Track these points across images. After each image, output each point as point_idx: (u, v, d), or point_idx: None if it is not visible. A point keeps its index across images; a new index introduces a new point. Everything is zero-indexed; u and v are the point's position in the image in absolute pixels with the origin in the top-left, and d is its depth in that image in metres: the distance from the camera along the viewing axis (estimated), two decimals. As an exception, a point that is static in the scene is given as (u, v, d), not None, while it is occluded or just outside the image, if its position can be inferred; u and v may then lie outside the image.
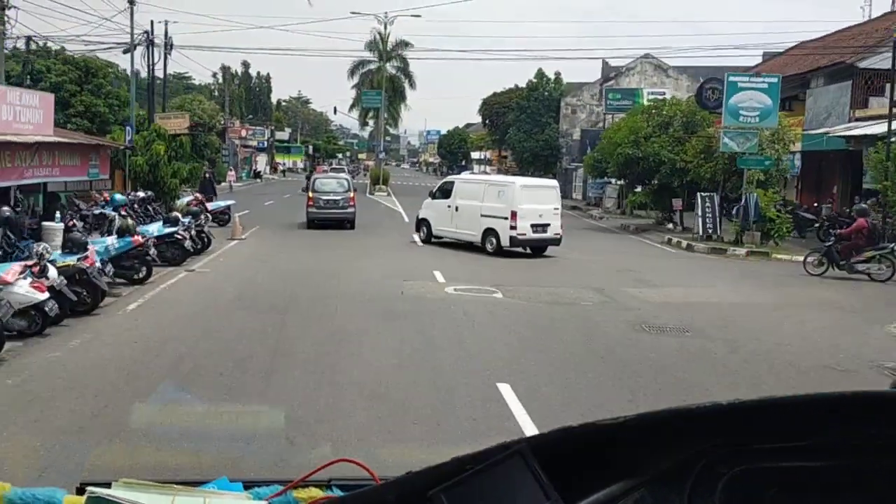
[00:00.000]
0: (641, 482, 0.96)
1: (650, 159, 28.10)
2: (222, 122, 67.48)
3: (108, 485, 1.20)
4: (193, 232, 16.69)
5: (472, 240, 20.12)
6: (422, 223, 22.14)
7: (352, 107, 67.84)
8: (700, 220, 24.20)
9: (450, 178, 23.32)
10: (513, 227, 18.83)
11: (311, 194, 25.47)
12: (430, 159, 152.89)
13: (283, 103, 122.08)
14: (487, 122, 68.33)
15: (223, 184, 44.62)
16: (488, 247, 19.53)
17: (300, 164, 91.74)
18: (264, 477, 1.38)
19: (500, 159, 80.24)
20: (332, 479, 1.34)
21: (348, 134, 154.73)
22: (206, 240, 17.82)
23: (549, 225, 19.32)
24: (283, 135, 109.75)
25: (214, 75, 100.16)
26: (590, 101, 58.43)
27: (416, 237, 22.52)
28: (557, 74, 59.10)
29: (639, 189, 32.70)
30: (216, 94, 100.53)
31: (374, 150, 67.52)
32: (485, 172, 75.17)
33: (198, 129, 47.33)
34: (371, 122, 76.51)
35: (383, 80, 55.49)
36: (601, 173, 38.88)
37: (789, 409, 0.92)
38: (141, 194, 19.39)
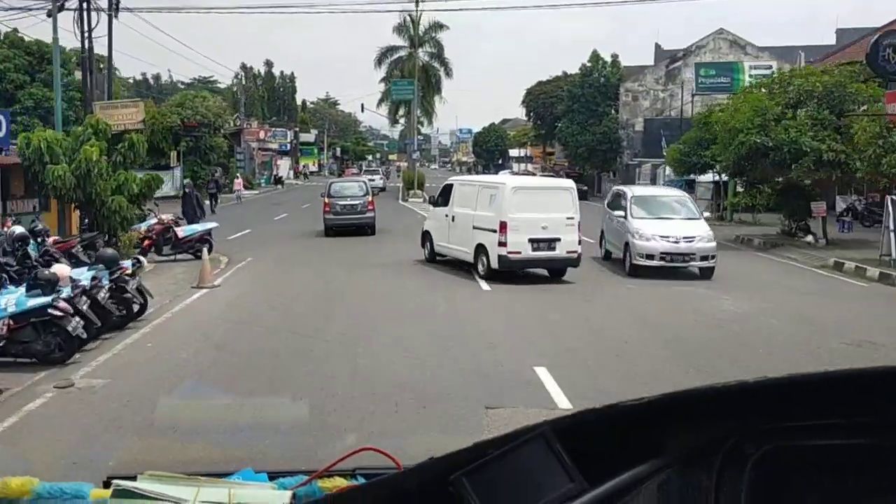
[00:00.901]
0: (668, 463, 0.95)
1: (784, 149, 20.41)
2: (236, 122, 60.92)
3: (133, 478, 1.23)
4: (105, 295, 9.37)
5: (467, 258, 15.70)
6: (425, 237, 17.80)
7: (380, 101, 60.47)
8: (892, 234, 16.46)
9: (451, 179, 18.51)
10: (501, 244, 14.34)
11: (326, 200, 23.64)
12: (464, 158, 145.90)
13: (311, 105, 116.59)
14: (532, 114, 60.69)
15: (232, 194, 37.60)
16: (480, 268, 15.12)
17: (312, 167, 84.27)
18: (289, 468, 1.38)
19: (546, 156, 72.57)
20: (356, 469, 1.35)
21: (377, 135, 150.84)
22: (138, 301, 10.52)
23: (557, 240, 14.55)
24: (309, 137, 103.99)
25: (236, 76, 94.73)
26: (654, 86, 50.63)
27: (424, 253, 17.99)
28: (614, 57, 51.40)
29: (755, 189, 24.82)
30: (237, 95, 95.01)
31: (407, 149, 60.45)
32: (526, 172, 68.18)
33: (200, 130, 40.57)
34: (402, 121, 69.59)
35: (415, 69, 48.13)
36: (689, 169, 31.20)
37: (820, 387, 0.90)
38: (18, 230, 11.83)
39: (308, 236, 23.78)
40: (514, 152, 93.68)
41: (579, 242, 14.80)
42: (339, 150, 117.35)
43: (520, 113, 79.71)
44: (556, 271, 15.12)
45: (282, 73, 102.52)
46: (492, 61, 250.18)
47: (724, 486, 0.94)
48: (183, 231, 17.10)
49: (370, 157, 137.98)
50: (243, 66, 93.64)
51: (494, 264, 14.48)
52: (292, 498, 1.28)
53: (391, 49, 51.71)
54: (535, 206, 14.59)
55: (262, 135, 64.68)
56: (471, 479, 0.92)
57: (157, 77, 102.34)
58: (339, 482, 1.28)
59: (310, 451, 5.04)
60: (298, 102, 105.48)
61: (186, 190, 19.37)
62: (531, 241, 14.31)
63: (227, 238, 22.68)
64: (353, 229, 22.99)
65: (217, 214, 33.34)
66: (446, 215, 16.46)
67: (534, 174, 72.68)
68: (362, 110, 71.54)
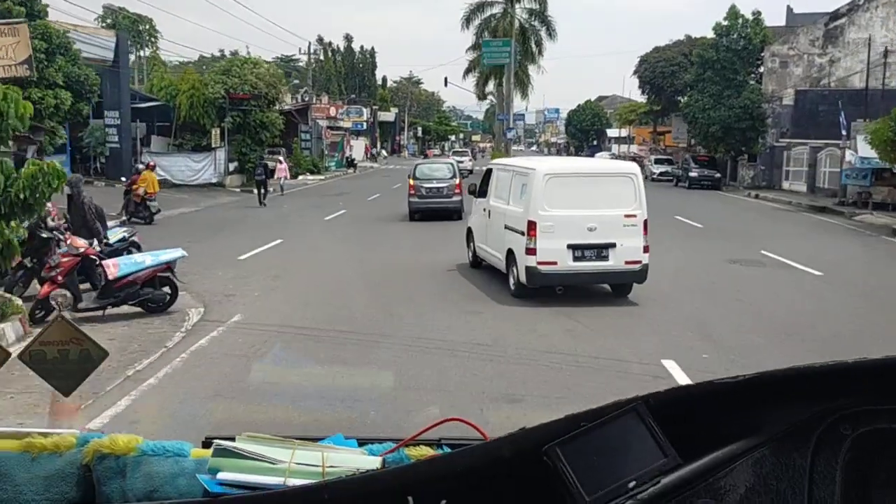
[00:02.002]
0: (762, 441, 0.95)
1: None
2: (304, 97, 53.64)
3: (232, 438, 1.27)
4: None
5: (501, 267, 12.08)
6: (469, 235, 14.32)
7: (467, 72, 52.30)
8: None
9: (493, 163, 14.99)
10: (530, 251, 10.70)
11: (411, 182, 22.60)
12: (552, 139, 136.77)
13: (392, 83, 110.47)
14: (647, 87, 51.08)
15: (273, 182, 30.08)
16: (511, 281, 11.47)
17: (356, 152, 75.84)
18: (377, 435, 1.41)
19: (655, 136, 62.77)
20: (441, 439, 1.36)
21: (460, 115, 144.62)
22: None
23: (611, 246, 10.71)
24: (389, 115, 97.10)
25: (314, 51, 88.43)
26: (809, 50, 40.45)
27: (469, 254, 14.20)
28: (756, 14, 41.35)
29: None
30: (315, 72, 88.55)
31: (497, 127, 52.12)
32: (634, 158, 59.31)
33: (250, 104, 33.15)
34: (491, 97, 61.43)
35: (512, 29, 39.44)
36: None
37: None
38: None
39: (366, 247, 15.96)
40: (612, 132, 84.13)
41: (646, 250, 11.00)
42: (420, 129, 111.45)
43: (618, 88, 69.72)
44: (617, 286, 11.44)
45: (361, 47, 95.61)
46: (585, 30, 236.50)
47: (819, 466, 0.94)
48: (116, 267, 9.23)
49: (453, 138, 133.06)
50: (319, 39, 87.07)
51: (522, 278, 11.01)
52: (382, 464, 1.29)
53: (482, 5, 43.08)
54: (579, 199, 10.91)
55: (332, 112, 57.16)
56: (564, 449, 0.94)
57: (234, 53, 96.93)
58: (426, 451, 1.30)
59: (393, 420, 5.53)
60: (378, 79, 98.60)
61: (71, 190, 10.94)
62: (572, 247, 10.81)
63: (241, 256, 14.93)
64: (439, 215, 21.78)
65: (266, 207, 26.14)
66: (484, 209, 13.21)
67: (639, 158, 63.34)
68: (445, 84, 61.63)
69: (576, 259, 10.80)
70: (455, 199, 21.97)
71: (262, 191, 28.55)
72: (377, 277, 12.97)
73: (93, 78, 25.65)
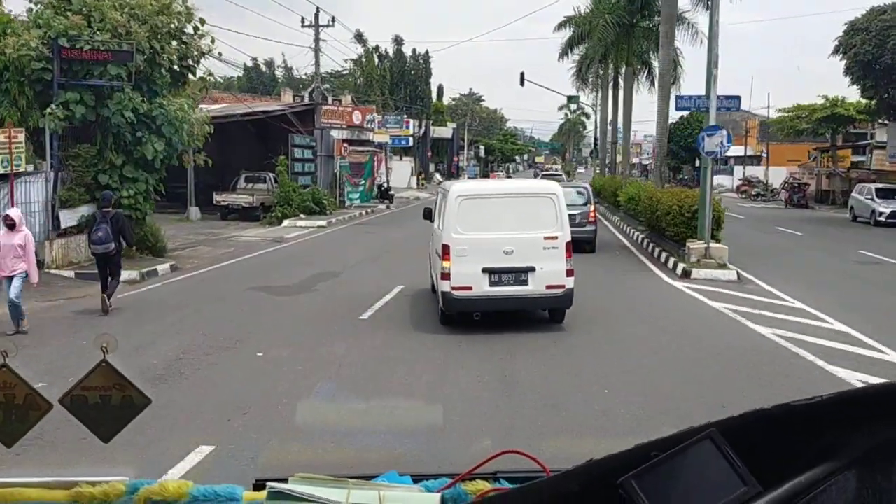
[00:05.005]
0: (844, 465, 0.91)
1: None
2: (313, 96, 35.33)
3: (285, 480, 1.25)
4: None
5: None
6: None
7: (563, 54, 33.53)
8: None
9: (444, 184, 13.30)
10: (445, 276, 10.36)
11: None
12: (634, 159, 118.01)
13: (451, 100, 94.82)
14: (856, 69, 30.96)
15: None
16: (440, 308, 11.00)
17: (398, 176, 55.33)
18: (429, 471, 1.39)
19: (832, 153, 42.37)
20: (497, 472, 1.34)
21: (522, 137, 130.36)
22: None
23: (530, 270, 10.29)
24: (445, 131, 79.16)
25: (361, 56, 71.64)
26: None
27: None
28: None
29: None
30: (359, 81, 70.84)
31: (599, 142, 33.58)
32: (794, 185, 40.54)
33: (106, 72, 14.53)
34: (580, 105, 42.55)
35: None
36: None
37: None
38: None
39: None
40: (730, 151, 63.89)
41: (569, 273, 10.25)
42: (482, 148, 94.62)
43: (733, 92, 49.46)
44: (553, 311, 10.76)
45: (414, 51, 77.57)
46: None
47: None
48: None
49: (518, 159, 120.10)
50: (358, 35, 68.96)
51: (441, 304, 10.52)
52: (440, 501, 1.27)
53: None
54: (495, 221, 10.36)
55: (357, 118, 38.54)
56: (640, 481, 0.91)
57: (269, 63, 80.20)
58: (482, 485, 1.27)
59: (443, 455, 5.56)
60: (434, 90, 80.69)
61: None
62: (488, 271, 10.16)
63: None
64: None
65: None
66: (432, 234, 12.34)
67: (803, 186, 43.12)
68: (521, 83, 42.30)
69: (492, 284, 10.33)
70: (589, 228, 18.87)
71: (111, 283, 12.17)
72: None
73: None
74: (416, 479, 1.33)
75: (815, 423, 0.93)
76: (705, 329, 10.60)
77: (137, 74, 15.55)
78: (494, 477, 1.31)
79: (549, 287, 10.29)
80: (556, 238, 10.30)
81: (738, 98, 16.25)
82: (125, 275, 13.21)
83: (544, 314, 10.96)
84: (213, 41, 17.44)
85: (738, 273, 14.84)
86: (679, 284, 14.21)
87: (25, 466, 4.82)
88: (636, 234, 22.61)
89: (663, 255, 17.42)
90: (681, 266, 15.37)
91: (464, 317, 10.48)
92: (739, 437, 0.93)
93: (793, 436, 0.94)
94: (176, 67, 16.84)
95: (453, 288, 10.20)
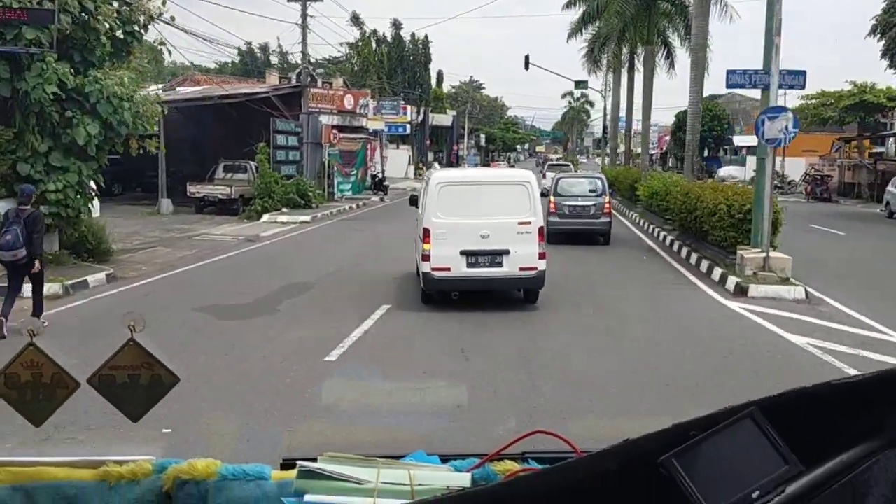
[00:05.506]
0: (886, 443, 0.90)
1: None
2: (300, 77, 32.35)
3: (314, 459, 1.23)
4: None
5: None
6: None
7: (572, 34, 30.71)
8: None
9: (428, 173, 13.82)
10: (425, 257, 11.00)
11: (552, 199, 19.10)
12: (638, 149, 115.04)
13: (451, 88, 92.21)
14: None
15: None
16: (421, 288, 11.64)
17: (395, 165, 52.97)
18: (457, 451, 1.35)
19: (859, 143, 39.52)
20: (525, 453, 1.32)
21: (524, 126, 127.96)
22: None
23: (504, 253, 10.90)
24: (445, 119, 76.32)
25: (359, 40, 68.04)
26: None
27: None
28: None
29: None
30: (356, 66, 67.52)
31: (609, 129, 31.04)
32: (815, 177, 38.34)
33: (22, 37, 11.52)
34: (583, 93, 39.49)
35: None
36: None
37: None
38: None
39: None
40: (742, 140, 61.33)
41: (542, 256, 10.91)
42: (483, 137, 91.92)
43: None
44: (528, 292, 11.33)
45: (413, 36, 74.16)
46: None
47: None
48: None
49: (518, 148, 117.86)
50: (355, 17, 65.64)
51: (422, 284, 11.22)
52: (470, 480, 1.26)
53: None
54: (472, 207, 10.93)
55: (349, 102, 35.55)
56: (681, 460, 0.89)
57: (263, 47, 76.87)
58: (511, 465, 1.26)
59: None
60: (433, 76, 77.45)
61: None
62: (465, 253, 10.85)
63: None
64: (583, 237, 18.52)
65: None
66: (416, 220, 12.72)
67: (825, 178, 40.37)
68: (526, 66, 39.53)
69: (469, 265, 10.92)
70: (603, 219, 18.85)
71: (33, 297, 9.98)
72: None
73: None
74: (444, 459, 1.32)
75: (856, 403, 0.91)
76: (789, 375, 7.76)
77: (65, 40, 12.66)
78: (522, 457, 1.30)
79: (522, 269, 10.93)
80: (529, 223, 10.88)
81: (803, 73, 13.42)
82: (46, 287, 10.39)
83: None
84: (164, 2, 14.53)
85: (805, 290, 11.98)
86: (735, 305, 11.33)
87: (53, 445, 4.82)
88: (663, 234, 19.71)
89: (704, 263, 14.53)
90: (733, 280, 12.47)
91: (443, 296, 11.05)
92: (780, 416, 0.90)
93: (834, 414, 0.91)
94: (119, 34, 13.97)
95: (433, 269, 10.82)
